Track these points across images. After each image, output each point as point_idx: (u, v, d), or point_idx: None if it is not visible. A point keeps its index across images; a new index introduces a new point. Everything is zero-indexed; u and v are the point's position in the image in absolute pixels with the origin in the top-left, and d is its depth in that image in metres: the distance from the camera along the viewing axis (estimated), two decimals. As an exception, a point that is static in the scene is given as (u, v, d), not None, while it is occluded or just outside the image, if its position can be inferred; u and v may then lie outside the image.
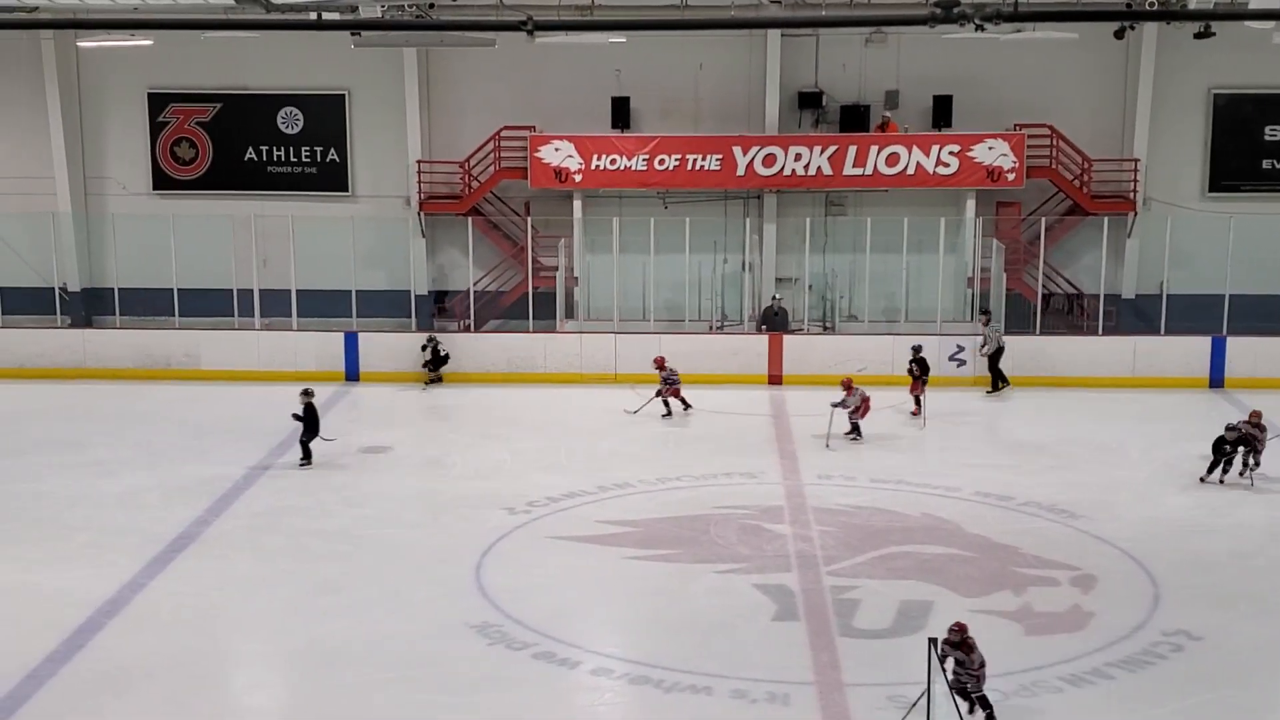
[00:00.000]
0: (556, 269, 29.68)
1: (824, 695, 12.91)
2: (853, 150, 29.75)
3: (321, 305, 29.22)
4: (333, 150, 31.80)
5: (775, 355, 26.80)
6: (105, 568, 16.15)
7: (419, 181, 30.80)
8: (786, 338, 27.17)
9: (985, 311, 27.47)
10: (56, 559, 16.61)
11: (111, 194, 32.09)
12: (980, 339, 26.20)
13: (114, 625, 14.52)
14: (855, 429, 22.27)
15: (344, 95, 31.61)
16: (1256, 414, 19.69)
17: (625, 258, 28.95)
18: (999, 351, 26.03)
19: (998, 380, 25.99)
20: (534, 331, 28.35)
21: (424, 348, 26.65)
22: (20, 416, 23.87)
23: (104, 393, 24.11)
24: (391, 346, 27.33)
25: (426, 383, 26.43)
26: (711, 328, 29.30)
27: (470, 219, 29.87)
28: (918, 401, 23.78)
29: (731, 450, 21.80)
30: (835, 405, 21.97)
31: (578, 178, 30.00)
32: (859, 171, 29.83)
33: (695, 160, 29.85)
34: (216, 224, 29.50)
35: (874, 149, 29.70)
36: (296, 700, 13.18)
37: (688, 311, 29.10)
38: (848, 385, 22.34)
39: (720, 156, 29.86)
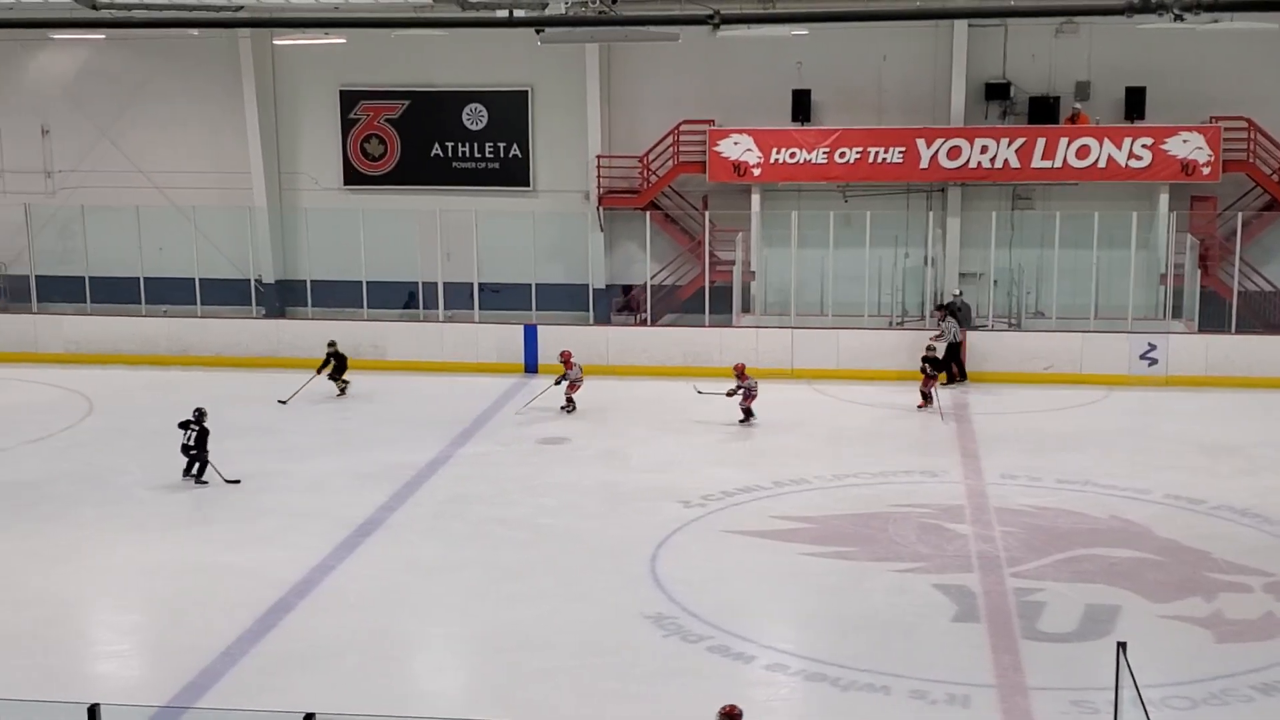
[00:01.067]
0: (733, 263, 29.65)
1: (1005, 698, 12.65)
2: (1041, 143, 29.04)
3: (502, 298, 29.74)
4: (515, 146, 32.28)
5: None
6: (296, 550, 16.68)
7: (598, 176, 31.08)
8: (969, 334, 26.68)
9: (940, 307, 27.09)
10: (250, 540, 17.22)
11: (304, 189, 33.10)
12: (938, 333, 25.94)
13: (304, 605, 14.99)
14: (748, 414, 22.58)
15: (527, 91, 32.06)
16: None
17: (803, 252, 28.77)
18: (955, 346, 25.84)
19: (951, 373, 25.72)
20: (710, 325, 28.37)
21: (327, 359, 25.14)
22: (218, 402, 24.66)
23: (296, 381, 24.87)
24: (569, 339, 27.61)
25: (340, 393, 25.17)
26: (891, 323, 28.93)
27: (648, 213, 30.02)
28: (925, 396, 23.75)
29: (911, 448, 21.50)
30: (729, 394, 22.54)
31: (756, 171, 29.91)
32: (1047, 164, 29.12)
33: (877, 153, 29.50)
34: (403, 218, 30.22)
35: (1063, 141, 28.96)
36: (478, 684, 13.42)
37: (867, 307, 28.79)
38: (740, 371, 22.69)
39: (903, 149, 29.45)
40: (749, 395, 22.85)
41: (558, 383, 23.85)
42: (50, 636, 13.79)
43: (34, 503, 18.79)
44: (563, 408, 23.77)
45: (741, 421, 22.76)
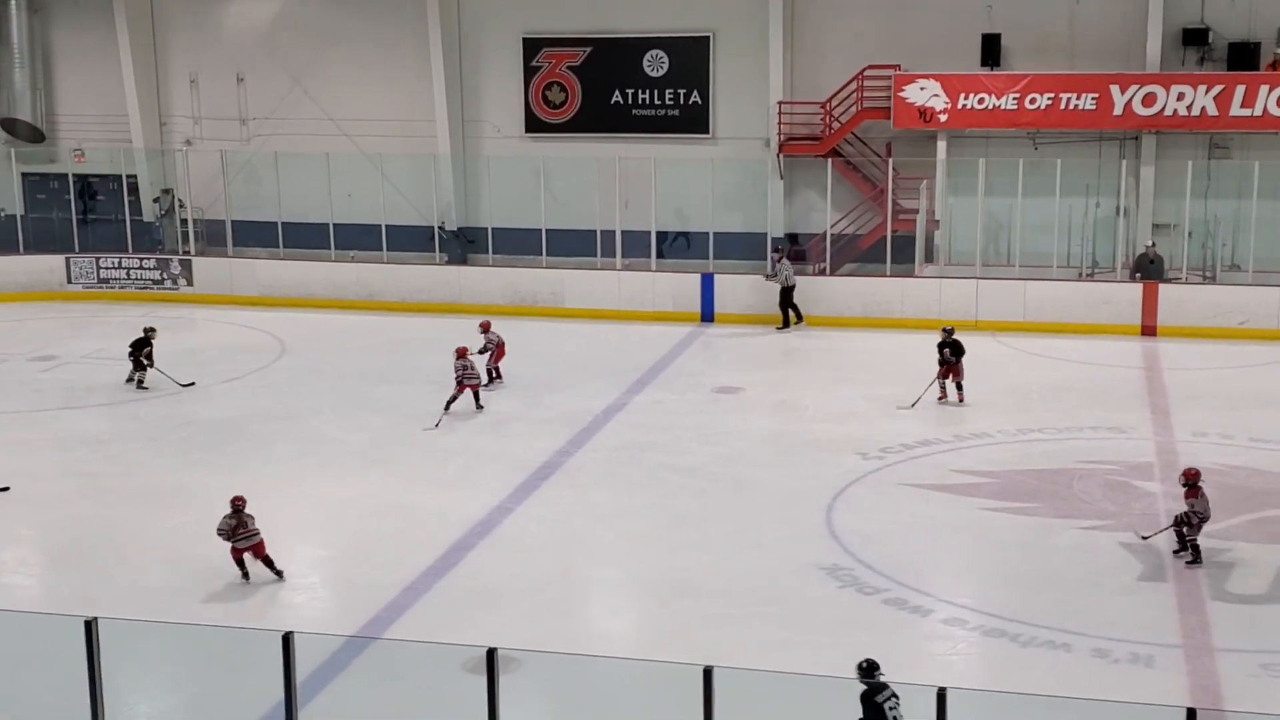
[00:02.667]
0: (917, 212, 29.12)
1: (1191, 659, 12.31)
2: (1240, 90, 27.77)
3: (680, 246, 29.78)
4: (695, 92, 32.14)
5: (1150, 305, 25.50)
6: (476, 491, 17.05)
7: (779, 123, 30.77)
8: (1162, 287, 25.80)
9: (777, 249, 26.68)
10: (433, 481, 17.65)
11: (487, 137, 33.52)
12: (770, 273, 25.87)
13: (484, 545, 15.33)
14: (493, 374, 22.01)
15: (709, 37, 31.87)
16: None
17: (990, 200, 28.09)
18: (789, 290, 25.80)
19: (788, 316, 25.83)
20: (891, 275, 27.96)
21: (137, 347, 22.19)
22: (404, 346, 25.41)
23: (476, 328, 25.34)
24: (747, 288, 27.52)
25: (138, 385, 22.17)
26: (1081, 274, 28.11)
27: (829, 160, 29.63)
28: (944, 388, 20.86)
29: (1098, 403, 20.92)
30: (479, 351, 21.71)
31: (943, 118, 29.25)
32: (1247, 112, 27.84)
33: (1069, 99, 28.57)
34: (583, 166, 30.39)
35: (1264, 89, 27.64)
36: (651, 628, 13.56)
37: (1055, 258, 28.00)
38: (485, 326, 22.17)
39: (1096, 96, 28.46)
40: (495, 354, 22.05)
41: (482, 351, 21.93)
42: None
43: (232, 439, 19.57)
44: (487, 385, 21.61)
45: (486, 386, 21.27)
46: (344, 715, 11.41)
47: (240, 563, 14.21)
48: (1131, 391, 21.77)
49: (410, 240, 31.60)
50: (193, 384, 22.19)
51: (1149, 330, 25.44)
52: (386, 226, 30.56)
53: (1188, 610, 13.35)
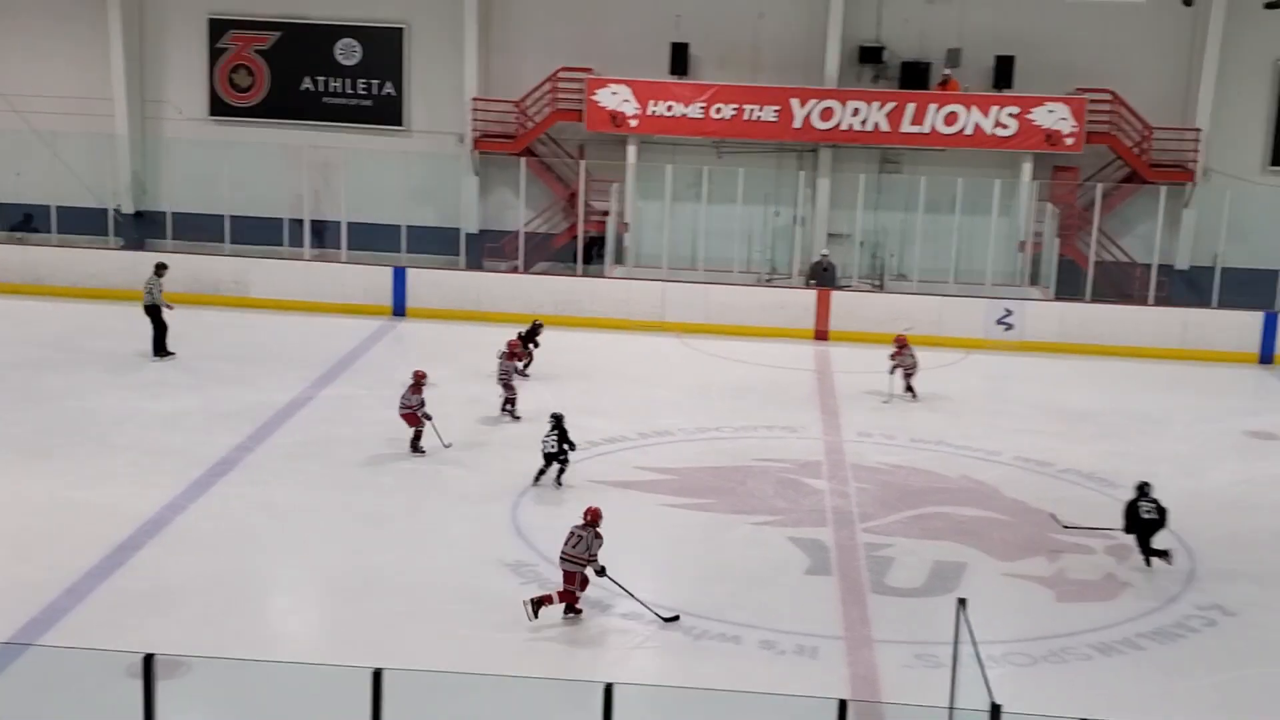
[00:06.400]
0: (607, 214, 29.65)
1: (852, 650, 12.95)
2: (911, 108, 29.47)
3: (371, 239, 29.36)
4: (389, 84, 31.83)
5: (823, 311, 26.73)
6: (148, 487, 16.38)
7: (473, 119, 30.78)
8: (834, 294, 27.07)
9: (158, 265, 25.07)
10: (102, 476, 16.86)
11: (168, 118, 32.27)
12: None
13: (154, 544, 14.75)
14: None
15: (402, 29, 31.59)
16: None
17: (677, 206, 28.90)
18: None
19: None
20: (582, 275, 28.36)
21: None
22: (73, 335, 24.15)
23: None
24: (440, 283, 27.40)
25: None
26: (760, 280, 29.21)
27: (523, 159, 29.84)
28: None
29: (774, 404, 21.79)
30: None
31: (633, 123, 29.89)
32: (917, 129, 29.57)
33: (752, 110, 29.67)
34: (270, 152, 29.61)
35: (933, 107, 29.42)
36: (330, 627, 13.35)
37: (737, 263, 29.02)
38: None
39: (777, 108, 29.65)
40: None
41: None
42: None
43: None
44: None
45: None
46: (-5, 726, 10.79)
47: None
48: (804, 393, 22.76)
49: (84, 223, 30.09)
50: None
51: (822, 335, 26.64)
52: (57, 208, 28.98)
53: (850, 603, 14.05)
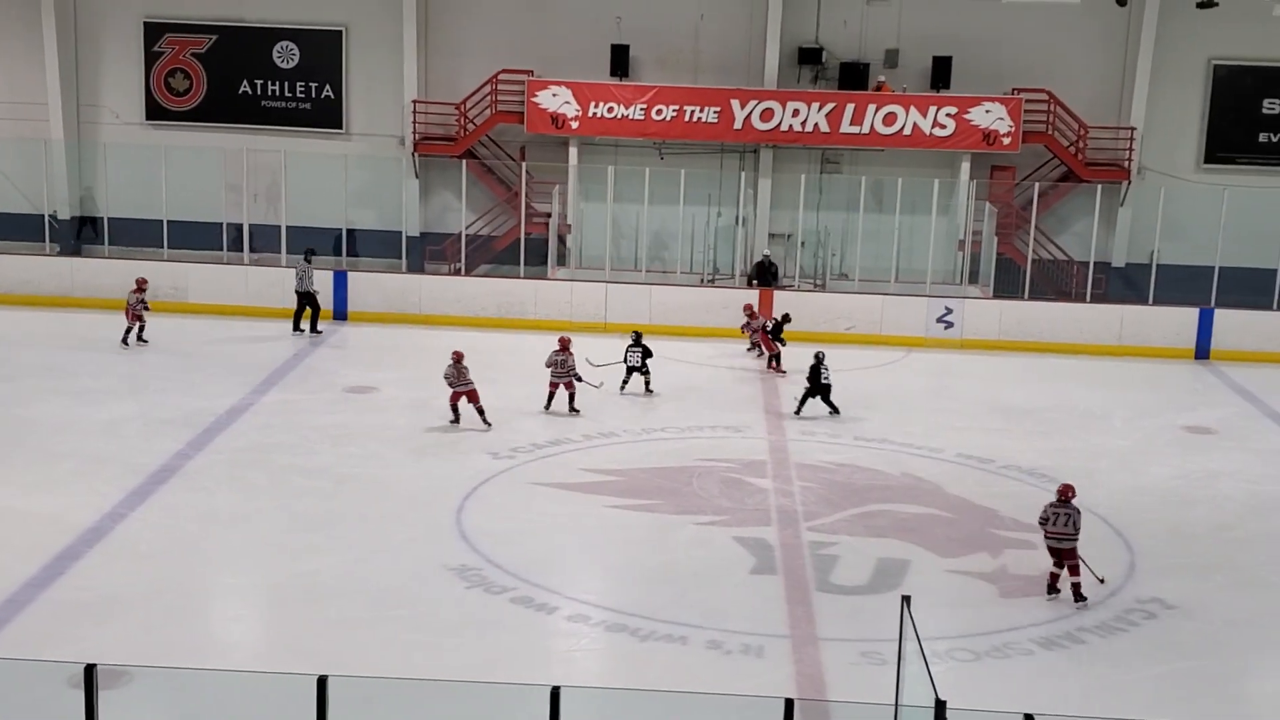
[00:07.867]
0: (550, 215, 29.61)
1: (798, 649, 13.01)
2: (850, 108, 29.65)
3: (311, 242, 29.12)
4: (328, 87, 31.63)
5: (766, 310, 26.81)
6: (87, 496, 16.19)
7: (414, 122, 30.65)
8: (777, 293, 27.17)
9: (308, 251, 26.03)
10: (40, 485, 16.64)
11: (105, 123, 31.90)
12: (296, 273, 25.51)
13: (94, 553, 14.57)
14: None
15: (341, 31, 31.40)
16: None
17: (619, 207, 28.91)
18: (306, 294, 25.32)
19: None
20: (525, 277, 28.31)
21: None
22: (8, 343, 23.83)
23: (91, 322, 24.09)
24: (382, 286, 27.27)
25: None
26: (702, 280, 29.29)
27: (464, 162, 29.74)
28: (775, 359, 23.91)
29: (717, 404, 21.85)
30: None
31: (574, 124, 29.87)
32: (856, 130, 29.74)
33: (693, 112, 29.74)
34: (208, 156, 29.35)
35: (872, 108, 29.61)
36: (274, 635, 13.25)
37: (679, 263, 29.09)
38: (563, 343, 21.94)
39: (718, 109, 29.74)
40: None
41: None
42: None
43: None
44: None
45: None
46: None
47: (455, 407, 19.01)
48: (747, 393, 22.83)
49: (18, 229, 29.68)
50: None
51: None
52: (-9, 214, 28.62)
53: (795, 601, 14.12)
